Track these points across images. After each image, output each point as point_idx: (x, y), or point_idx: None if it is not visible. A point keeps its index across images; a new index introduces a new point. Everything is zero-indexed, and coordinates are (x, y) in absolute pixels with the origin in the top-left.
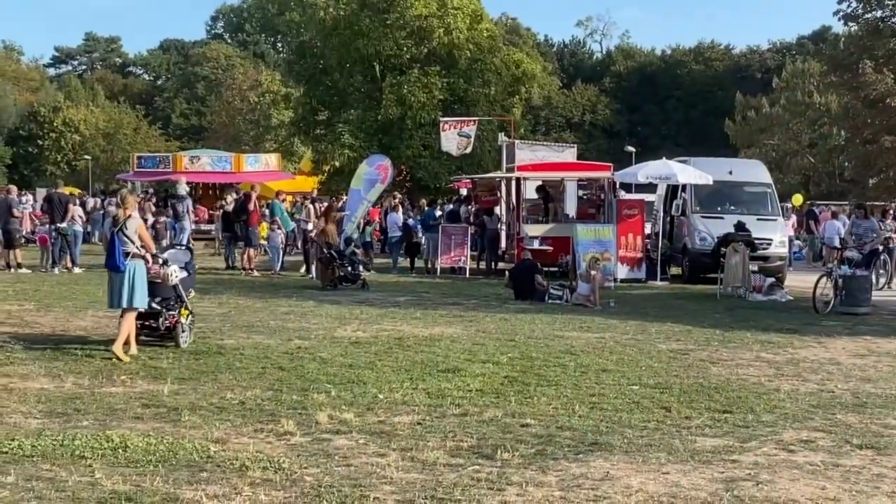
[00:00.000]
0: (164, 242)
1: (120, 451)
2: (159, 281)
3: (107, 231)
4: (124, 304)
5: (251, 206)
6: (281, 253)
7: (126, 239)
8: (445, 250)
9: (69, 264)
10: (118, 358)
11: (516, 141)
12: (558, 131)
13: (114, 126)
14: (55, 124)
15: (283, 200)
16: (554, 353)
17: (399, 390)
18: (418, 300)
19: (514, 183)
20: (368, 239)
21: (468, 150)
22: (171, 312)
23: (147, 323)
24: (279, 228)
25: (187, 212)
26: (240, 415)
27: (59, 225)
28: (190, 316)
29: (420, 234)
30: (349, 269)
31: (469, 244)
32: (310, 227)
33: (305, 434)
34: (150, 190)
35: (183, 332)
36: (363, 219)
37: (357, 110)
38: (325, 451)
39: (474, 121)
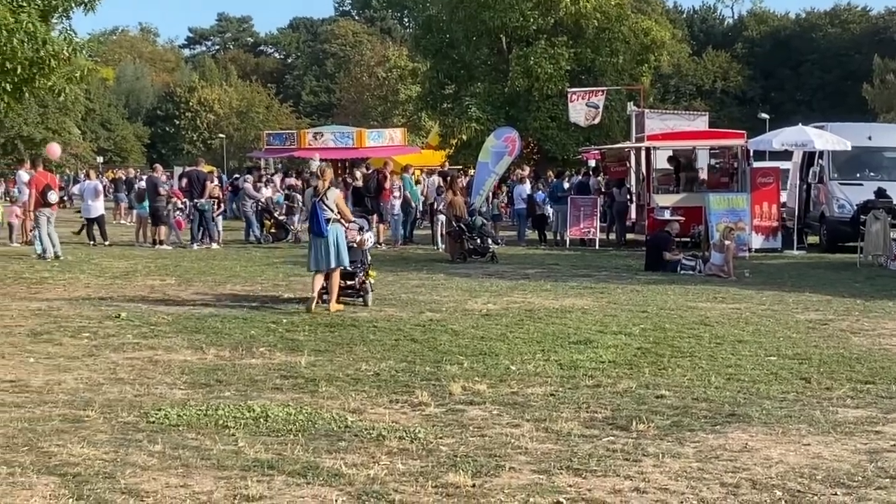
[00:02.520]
0: (297, 219)
1: (261, 420)
2: (355, 245)
3: (307, 201)
4: (333, 265)
5: (387, 183)
6: (399, 227)
7: (326, 207)
8: (574, 222)
9: (207, 240)
10: (338, 310)
11: (646, 110)
12: (689, 99)
13: (246, 104)
14: (191, 104)
15: (412, 174)
16: (688, 324)
17: (531, 362)
18: (548, 272)
19: (643, 153)
20: (497, 212)
21: (596, 121)
22: (360, 274)
23: (342, 283)
24: (403, 201)
25: None
26: (375, 386)
27: (197, 201)
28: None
29: (548, 207)
30: (478, 241)
31: (598, 216)
32: (436, 203)
33: (439, 405)
34: (279, 165)
35: (370, 291)
36: (493, 192)
37: (484, 83)
38: (460, 421)
39: (602, 91)
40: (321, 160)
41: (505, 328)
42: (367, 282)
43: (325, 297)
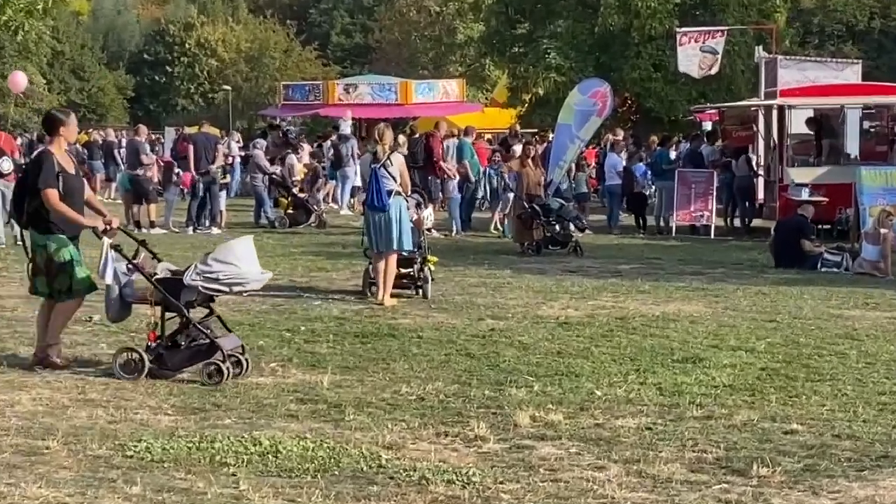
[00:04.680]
0: (321, 194)
1: (270, 456)
2: (412, 225)
3: (364, 169)
4: (394, 247)
5: (436, 151)
6: (457, 210)
7: (389, 175)
8: (683, 203)
9: (207, 223)
10: (389, 306)
11: (779, 57)
12: (837, 43)
13: (259, 48)
14: (187, 46)
15: (475, 139)
16: (829, 337)
17: (622, 385)
18: (647, 268)
19: (775, 113)
20: (584, 189)
21: (714, 71)
22: (418, 260)
23: (399, 270)
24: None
25: (352, 156)
26: (418, 414)
27: (210, 167)
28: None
29: (649, 183)
30: (556, 228)
31: (714, 195)
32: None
33: (501, 439)
34: (291, 128)
35: (430, 281)
36: (578, 162)
37: (567, 21)
38: (527, 461)
39: (722, 31)
40: (354, 120)
41: (589, 341)
42: (427, 269)
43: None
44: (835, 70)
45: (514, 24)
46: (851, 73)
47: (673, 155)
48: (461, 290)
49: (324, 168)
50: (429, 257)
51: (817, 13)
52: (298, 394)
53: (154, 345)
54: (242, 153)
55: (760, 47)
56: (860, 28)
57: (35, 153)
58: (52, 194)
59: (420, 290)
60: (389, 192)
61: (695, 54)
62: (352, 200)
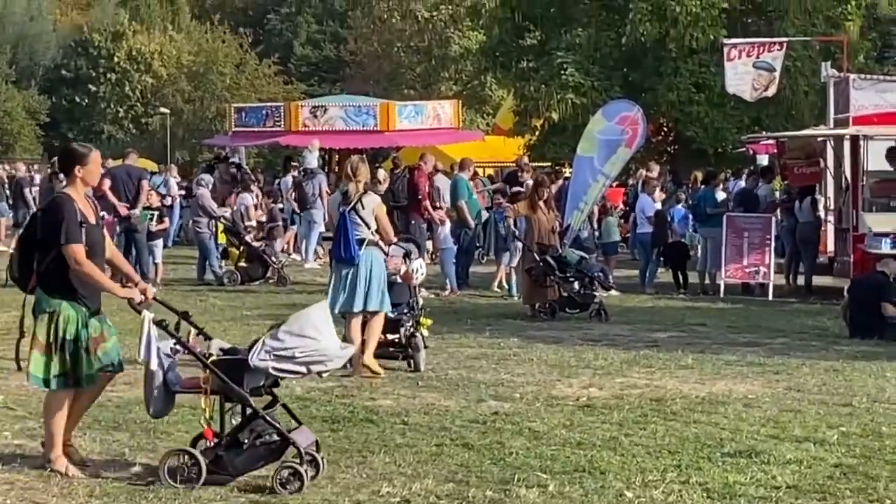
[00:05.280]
0: (279, 244)
1: None
2: (398, 280)
3: (331, 211)
4: (366, 306)
5: (421, 188)
6: (450, 264)
7: (360, 221)
8: (734, 256)
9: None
10: (372, 371)
11: (852, 76)
12: None
13: (205, 61)
14: (115, 60)
15: (472, 175)
16: None
17: (659, 485)
18: (689, 337)
19: (847, 144)
20: (613, 238)
21: (770, 92)
22: (408, 323)
23: (381, 336)
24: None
25: (320, 196)
26: None
27: (130, 212)
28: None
29: (691, 230)
30: (575, 286)
31: (772, 246)
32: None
33: None
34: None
35: (423, 349)
36: (604, 204)
37: (588, 29)
38: None
39: (781, 44)
40: (323, 150)
41: (617, 428)
42: (419, 335)
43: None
44: None
45: (521, 33)
46: None
47: (720, 196)
48: (457, 364)
49: (282, 210)
50: (422, 320)
51: None
52: (252, 496)
53: (212, 444)
54: (182, 192)
55: (828, 64)
56: None
57: (50, 198)
58: (79, 251)
59: (410, 361)
60: (361, 242)
61: (747, 72)
62: (319, 251)
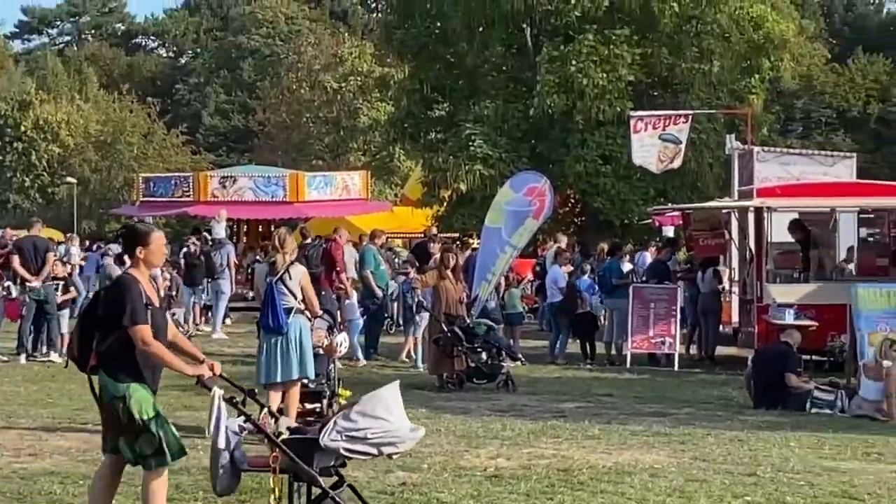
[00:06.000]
0: (181, 314)
1: None
2: (321, 352)
3: (259, 282)
4: (293, 374)
5: (338, 260)
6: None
7: (287, 291)
8: (640, 327)
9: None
10: None
11: (756, 148)
12: (826, 132)
13: (112, 131)
14: (22, 129)
15: (383, 245)
16: (822, 496)
17: None
18: (596, 407)
19: (751, 216)
20: (518, 309)
21: (676, 164)
22: (327, 395)
23: (300, 406)
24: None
25: (228, 266)
26: None
27: (32, 285)
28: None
29: (598, 301)
30: (483, 356)
31: (678, 317)
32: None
33: None
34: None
35: None
36: (507, 275)
37: (496, 101)
38: None
39: (686, 116)
40: (231, 220)
41: (524, 499)
42: (336, 405)
43: None
44: (824, 165)
45: (430, 105)
46: (844, 169)
47: (626, 267)
48: None
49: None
50: (340, 391)
51: (801, 96)
52: None
53: None
54: (84, 262)
55: (733, 136)
56: (854, 114)
57: (115, 278)
58: (146, 331)
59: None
60: (288, 311)
61: (653, 144)
62: (227, 321)
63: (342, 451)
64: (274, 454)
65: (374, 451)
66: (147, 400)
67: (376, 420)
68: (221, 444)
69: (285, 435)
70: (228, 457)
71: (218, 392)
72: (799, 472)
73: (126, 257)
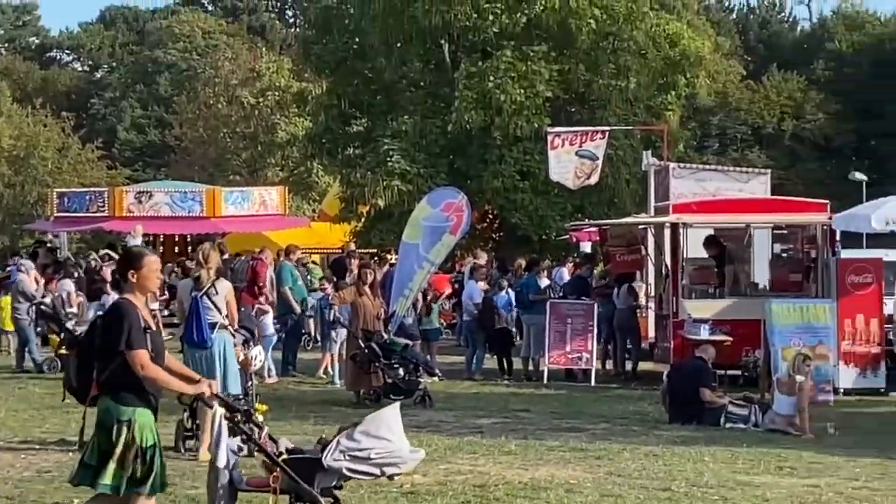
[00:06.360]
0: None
1: None
2: (238, 367)
3: (183, 296)
4: (222, 390)
5: (262, 277)
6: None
7: (212, 305)
8: (557, 342)
9: None
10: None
11: (672, 165)
12: (741, 148)
13: (26, 145)
14: None
15: (298, 261)
16: None
17: None
18: (513, 423)
19: (667, 232)
20: (435, 325)
21: (593, 180)
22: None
23: None
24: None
25: None
26: None
27: None
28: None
29: (514, 316)
30: (400, 372)
31: (596, 332)
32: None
33: None
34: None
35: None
36: (424, 292)
37: (414, 117)
38: None
39: (603, 132)
40: (147, 236)
41: None
42: (254, 420)
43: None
44: (739, 181)
45: (348, 121)
46: (758, 185)
47: (543, 282)
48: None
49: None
50: (257, 405)
51: (717, 112)
52: None
53: None
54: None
55: (649, 152)
56: (769, 131)
57: (111, 304)
58: (144, 356)
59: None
60: (213, 325)
61: (570, 160)
62: None
63: (345, 470)
64: (275, 474)
65: (376, 471)
66: (149, 427)
67: (380, 440)
68: (222, 462)
69: (286, 455)
70: (228, 477)
71: (220, 411)
72: (713, 487)
73: (120, 281)
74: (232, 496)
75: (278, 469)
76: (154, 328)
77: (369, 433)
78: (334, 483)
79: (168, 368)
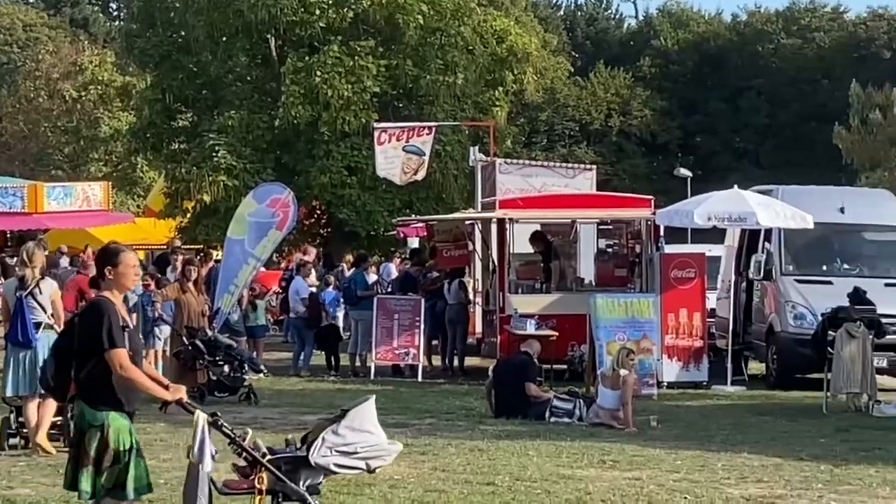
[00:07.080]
0: None
1: None
2: None
3: (8, 295)
4: (42, 389)
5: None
6: None
7: (37, 305)
8: (384, 338)
9: None
10: (44, 450)
11: (499, 160)
12: (569, 144)
13: None
14: None
15: None
16: None
17: None
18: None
19: (494, 228)
20: (261, 322)
21: (420, 176)
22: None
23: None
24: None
25: None
26: None
27: None
28: None
29: (342, 312)
30: (225, 369)
31: (422, 328)
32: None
33: None
34: None
35: None
36: (250, 288)
37: (240, 112)
38: None
39: (430, 128)
40: None
41: None
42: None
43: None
44: (565, 177)
45: (173, 115)
46: (584, 181)
47: (371, 278)
48: None
49: None
50: None
51: (545, 108)
52: None
53: None
54: None
55: (476, 148)
56: (596, 127)
57: (89, 302)
58: (123, 355)
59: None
60: (38, 325)
61: (396, 155)
62: None
63: (332, 466)
64: (260, 475)
65: (362, 465)
66: (125, 429)
67: (364, 434)
68: (208, 467)
69: (269, 455)
70: (208, 480)
71: (202, 416)
72: (536, 481)
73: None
74: (211, 498)
75: (263, 470)
76: (132, 326)
77: (354, 427)
78: (321, 480)
79: (143, 371)
